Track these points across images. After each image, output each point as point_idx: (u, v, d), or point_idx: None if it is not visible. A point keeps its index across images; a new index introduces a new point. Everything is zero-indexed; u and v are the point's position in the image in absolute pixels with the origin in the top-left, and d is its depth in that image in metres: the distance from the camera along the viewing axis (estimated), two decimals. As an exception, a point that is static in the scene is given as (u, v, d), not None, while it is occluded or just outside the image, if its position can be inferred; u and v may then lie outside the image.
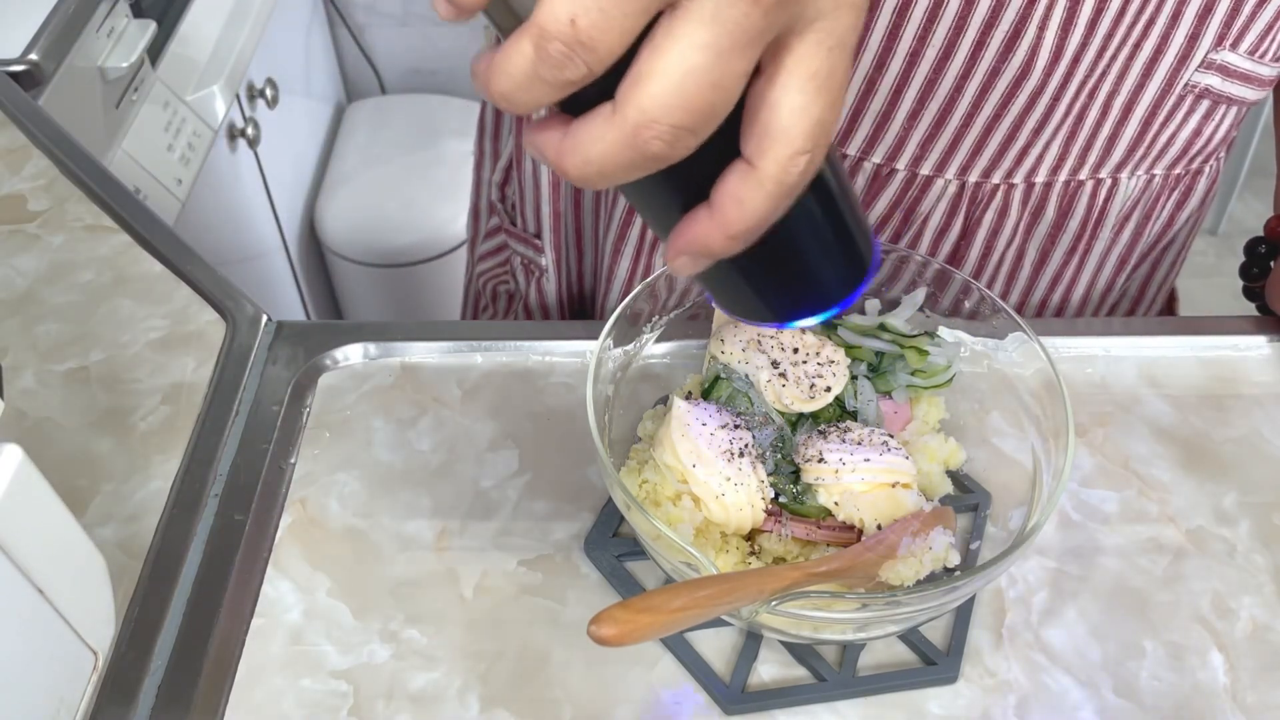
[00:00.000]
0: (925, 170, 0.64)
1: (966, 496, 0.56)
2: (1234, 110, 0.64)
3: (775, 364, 0.53)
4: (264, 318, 0.64)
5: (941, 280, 0.56)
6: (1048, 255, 0.69)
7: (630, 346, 0.56)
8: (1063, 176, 0.65)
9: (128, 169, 1.07)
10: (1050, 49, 0.58)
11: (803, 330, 0.55)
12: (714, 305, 0.54)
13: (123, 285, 0.66)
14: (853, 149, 0.64)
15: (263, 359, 0.62)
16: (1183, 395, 0.62)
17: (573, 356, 0.63)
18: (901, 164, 0.64)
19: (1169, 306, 0.82)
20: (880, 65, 0.60)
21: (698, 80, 0.29)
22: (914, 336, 0.56)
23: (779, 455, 0.51)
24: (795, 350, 0.54)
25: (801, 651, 0.50)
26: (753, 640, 0.50)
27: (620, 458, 0.53)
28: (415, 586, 0.52)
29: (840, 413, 0.54)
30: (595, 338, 0.52)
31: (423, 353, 0.64)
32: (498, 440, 0.59)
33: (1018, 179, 0.64)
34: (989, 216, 0.66)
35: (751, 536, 0.51)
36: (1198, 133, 0.64)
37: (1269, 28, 0.59)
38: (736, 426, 0.51)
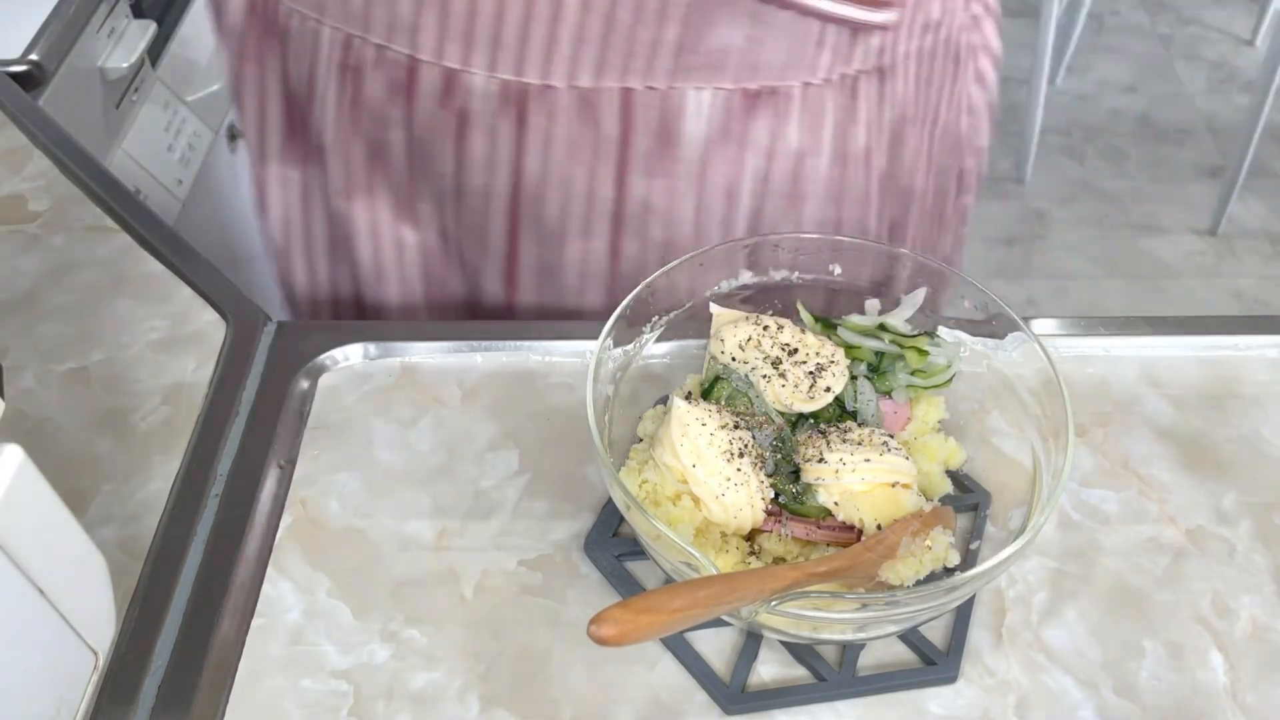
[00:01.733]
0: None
1: (966, 496, 0.56)
2: (789, 21, 0.58)
3: (775, 363, 0.53)
4: (264, 318, 0.64)
5: (942, 280, 0.56)
6: (624, 177, 0.63)
7: (630, 346, 0.56)
8: (609, 83, 0.59)
9: (128, 169, 1.07)
10: None
11: (802, 330, 0.55)
12: None
13: (123, 285, 0.66)
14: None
15: (263, 359, 0.62)
16: (1183, 395, 0.62)
17: (573, 356, 0.63)
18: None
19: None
20: None
21: None
22: (914, 336, 0.56)
23: (779, 455, 0.51)
24: (795, 351, 0.54)
25: (801, 651, 0.50)
26: (753, 640, 0.50)
27: (620, 458, 0.53)
28: (415, 586, 0.53)
29: (840, 413, 0.54)
30: (595, 338, 0.52)
31: (423, 353, 0.64)
32: (498, 440, 0.59)
33: (558, 81, 0.59)
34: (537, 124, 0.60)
35: (751, 536, 0.51)
36: (752, 41, 0.58)
37: None
38: (736, 426, 0.51)
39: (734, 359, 0.54)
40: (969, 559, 0.52)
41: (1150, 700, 0.49)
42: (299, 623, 0.51)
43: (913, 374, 0.55)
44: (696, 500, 0.49)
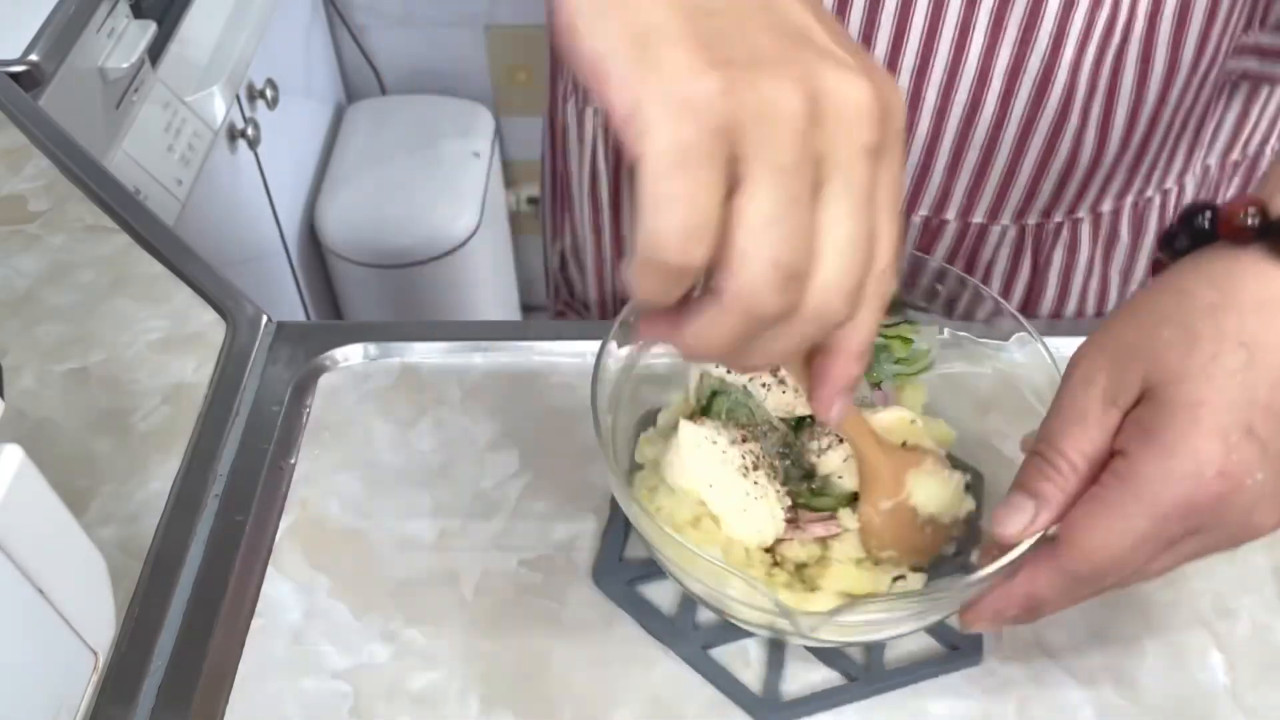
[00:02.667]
0: (977, 218, 0.63)
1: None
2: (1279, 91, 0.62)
3: (774, 370, 0.53)
4: (264, 318, 0.64)
5: (943, 279, 0.56)
6: (1129, 274, 0.68)
7: (634, 346, 0.55)
8: (1130, 199, 0.63)
9: (128, 169, 1.07)
10: (1084, 88, 0.57)
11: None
12: None
13: (123, 286, 0.66)
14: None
15: (263, 359, 0.62)
16: (1183, 395, 0.62)
17: (574, 356, 0.63)
18: (951, 214, 0.63)
19: None
20: (908, 125, 0.59)
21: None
22: (895, 325, 0.56)
23: (787, 461, 0.51)
24: (792, 351, 0.54)
25: (828, 654, 0.50)
26: (777, 648, 0.50)
27: (621, 459, 0.53)
28: (415, 586, 0.52)
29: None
30: (597, 338, 0.52)
31: (423, 353, 0.64)
32: (498, 440, 0.59)
33: (1082, 213, 0.63)
34: (1059, 255, 0.65)
35: (772, 548, 0.50)
36: (1244, 115, 0.62)
37: None
38: (745, 440, 0.50)
39: (730, 371, 0.54)
40: (974, 532, 0.52)
41: (1150, 700, 0.49)
42: (299, 623, 0.51)
43: (897, 362, 0.55)
44: (716, 520, 0.48)
